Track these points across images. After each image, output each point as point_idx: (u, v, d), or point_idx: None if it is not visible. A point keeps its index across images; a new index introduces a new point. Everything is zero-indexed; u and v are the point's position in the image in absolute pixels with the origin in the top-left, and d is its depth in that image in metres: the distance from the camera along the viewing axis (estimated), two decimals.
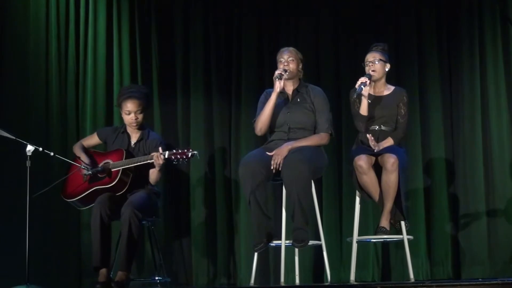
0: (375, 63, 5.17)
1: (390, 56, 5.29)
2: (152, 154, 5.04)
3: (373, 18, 6.64)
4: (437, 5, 6.57)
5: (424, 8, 6.58)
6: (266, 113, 5.12)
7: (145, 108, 5.28)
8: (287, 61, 5.19)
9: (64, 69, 6.45)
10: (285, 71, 5.12)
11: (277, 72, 5.10)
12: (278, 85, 5.08)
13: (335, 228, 6.38)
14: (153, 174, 5.20)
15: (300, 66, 5.26)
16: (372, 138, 4.99)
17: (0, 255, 5.81)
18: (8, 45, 6.26)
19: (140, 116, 5.24)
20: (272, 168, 4.95)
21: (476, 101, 6.38)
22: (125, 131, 5.33)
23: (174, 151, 4.99)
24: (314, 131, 5.17)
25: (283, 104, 5.19)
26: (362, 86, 5.03)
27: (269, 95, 5.17)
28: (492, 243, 6.20)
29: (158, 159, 4.99)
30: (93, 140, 5.42)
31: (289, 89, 5.26)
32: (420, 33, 6.58)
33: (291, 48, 5.26)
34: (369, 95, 5.18)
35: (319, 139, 5.13)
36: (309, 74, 5.78)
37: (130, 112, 5.22)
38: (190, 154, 4.97)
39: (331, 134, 5.18)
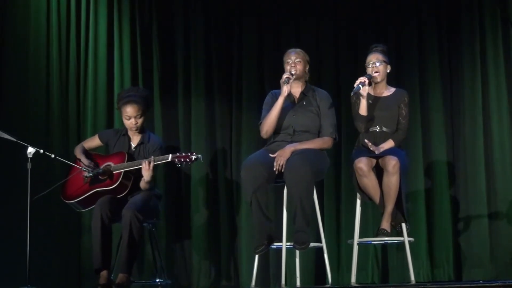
0: (378, 65, 5.16)
1: (390, 57, 5.29)
2: (145, 159, 5.03)
3: (373, 18, 6.63)
4: (437, 6, 6.57)
5: (425, 9, 6.58)
6: (273, 116, 5.11)
7: (145, 112, 5.27)
8: (294, 62, 5.19)
9: (65, 71, 6.45)
10: (292, 75, 5.12)
11: (284, 76, 5.09)
12: (285, 89, 5.07)
13: (334, 230, 6.38)
14: (142, 183, 5.16)
15: (307, 68, 5.26)
16: (370, 143, 4.99)
17: (1, 257, 5.81)
18: (9, 47, 6.26)
19: (139, 121, 5.23)
20: (274, 169, 4.95)
21: (477, 102, 6.37)
22: (126, 133, 5.32)
23: (178, 154, 4.98)
24: (318, 134, 5.17)
25: (289, 107, 5.18)
26: (360, 85, 5.03)
27: (275, 96, 5.18)
28: (493, 245, 6.20)
29: (145, 166, 4.97)
30: (94, 142, 5.41)
31: (295, 91, 5.25)
32: (420, 34, 6.57)
33: (298, 50, 5.26)
34: (370, 96, 5.18)
35: (322, 142, 5.13)
36: (309, 75, 5.77)
37: (129, 117, 5.21)
38: (193, 157, 4.97)
39: (334, 139, 5.17)
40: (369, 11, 6.64)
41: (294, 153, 4.96)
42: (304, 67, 5.23)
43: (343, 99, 6.36)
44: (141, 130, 5.29)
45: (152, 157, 5.02)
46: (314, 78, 6.26)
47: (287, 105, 5.18)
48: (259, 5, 6.75)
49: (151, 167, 4.99)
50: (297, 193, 4.85)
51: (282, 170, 4.94)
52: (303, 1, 6.71)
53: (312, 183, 4.95)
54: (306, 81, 5.29)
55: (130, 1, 6.64)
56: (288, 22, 6.72)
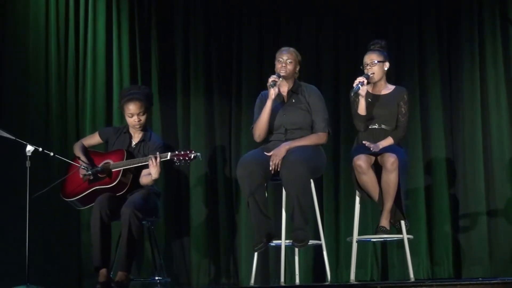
0: (372, 66, 5.16)
1: (390, 55, 5.28)
2: (150, 156, 5.03)
3: (373, 17, 6.64)
4: (437, 5, 6.58)
5: (424, 8, 6.59)
6: (263, 120, 5.11)
7: (147, 109, 5.27)
8: (285, 62, 5.16)
9: (64, 69, 6.45)
10: (279, 77, 5.10)
11: (270, 80, 5.07)
12: (272, 92, 5.05)
13: (334, 228, 6.39)
14: (145, 178, 5.14)
15: (298, 68, 5.24)
16: (368, 143, 4.99)
17: (0, 255, 5.81)
18: (8, 45, 6.26)
19: (143, 118, 5.23)
20: (270, 169, 4.94)
21: (476, 101, 6.38)
22: (127, 131, 5.32)
23: (177, 152, 4.98)
24: (311, 130, 5.16)
25: (279, 106, 5.17)
26: (359, 86, 5.04)
27: (264, 98, 5.16)
28: (493, 243, 6.21)
29: (152, 162, 4.96)
30: (94, 139, 5.41)
31: (284, 90, 5.23)
32: (420, 32, 6.58)
33: (291, 49, 5.22)
34: (369, 94, 5.19)
35: (317, 138, 5.11)
36: (309, 74, 5.78)
37: (132, 115, 5.20)
38: (192, 156, 4.96)
39: (328, 133, 5.17)
40: (369, 11, 6.64)
41: (289, 151, 4.95)
42: (295, 68, 5.20)
43: (343, 98, 6.37)
44: (144, 128, 5.29)
45: (158, 153, 5.01)
46: (314, 77, 6.29)
47: (277, 105, 5.17)
48: (259, 5, 6.75)
49: (158, 163, 4.98)
50: (294, 191, 4.85)
51: (278, 169, 4.94)
52: (303, 1, 6.71)
53: (309, 180, 4.95)
54: (295, 79, 5.27)
55: (129, 0, 6.64)
56: (288, 22, 6.73)
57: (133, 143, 5.29)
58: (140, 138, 5.29)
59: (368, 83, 5.15)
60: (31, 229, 4.93)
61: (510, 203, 6.23)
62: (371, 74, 5.15)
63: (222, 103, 6.65)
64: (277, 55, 5.21)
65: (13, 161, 5.60)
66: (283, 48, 5.23)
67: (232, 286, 6.37)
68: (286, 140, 5.08)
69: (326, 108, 5.20)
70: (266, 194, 5.08)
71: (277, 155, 4.95)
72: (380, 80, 5.22)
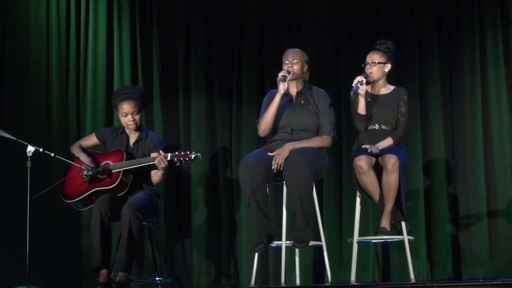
0: (372, 66, 5.17)
1: (395, 57, 5.28)
2: (154, 156, 5.03)
3: (373, 18, 6.64)
4: (438, 5, 6.58)
5: (425, 8, 6.59)
6: (270, 114, 5.12)
7: (142, 109, 5.27)
8: (291, 62, 5.17)
9: (65, 69, 6.45)
10: (289, 72, 5.11)
11: (280, 74, 5.09)
12: (282, 87, 5.07)
13: (335, 229, 6.38)
14: (156, 175, 5.18)
15: (305, 68, 5.25)
16: (368, 146, 5.00)
17: (1, 256, 5.82)
18: (9, 46, 6.26)
19: (137, 117, 5.23)
20: (273, 168, 4.95)
21: (476, 101, 6.38)
22: (123, 131, 5.32)
23: (177, 153, 4.97)
24: (316, 133, 5.17)
25: (286, 106, 5.19)
26: (358, 85, 5.05)
27: (273, 95, 5.17)
28: (493, 244, 6.20)
29: (161, 163, 4.97)
30: (91, 140, 5.41)
31: (293, 90, 5.25)
32: (421, 33, 6.58)
33: (296, 50, 5.25)
34: (369, 94, 5.19)
35: (321, 141, 5.12)
36: (309, 74, 5.76)
37: (126, 114, 5.20)
38: (192, 156, 4.96)
39: (333, 137, 5.17)
40: (369, 11, 6.64)
41: (293, 152, 4.96)
42: (302, 67, 5.22)
43: (343, 98, 6.37)
44: (138, 127, 5.29)
45: (162, 152, 5.00)
46: (314, 77, 6.26)
47: (285, 104, 5.18)
48: (259, 6, 6.75)
49: (165, 161, 4.98)
50: (296, 192, 4.85)
51: (281, 169, 4.95)
52: (303, 1, 6.71)
53: (311, 181, 4.95)
54: (304, 81, 5.29)
55: (130, 0, 6.64)
56: (288, 22, 6.73)
57: (131, 143, 5.29)
58: (137, 138, 5.29)
59: (367, 83, 5.16)
60: (31, 230, 4.94)
61: (510, 204, 6.23)
62: (370, 73, 5.16)
63: (223, 104, 6.65)
64: (283, 57, 5.24)
65: (14, 161, 5.61)
66: (288, 50, 5.26)
67: (232, 286, 6.36)
68: (291, 140, 5.09)
69: (333, 113, 5.21)
70: (267, 194, 5.09)
71: (280, 154, 4.96)
72: (379, 80, 5.22)
